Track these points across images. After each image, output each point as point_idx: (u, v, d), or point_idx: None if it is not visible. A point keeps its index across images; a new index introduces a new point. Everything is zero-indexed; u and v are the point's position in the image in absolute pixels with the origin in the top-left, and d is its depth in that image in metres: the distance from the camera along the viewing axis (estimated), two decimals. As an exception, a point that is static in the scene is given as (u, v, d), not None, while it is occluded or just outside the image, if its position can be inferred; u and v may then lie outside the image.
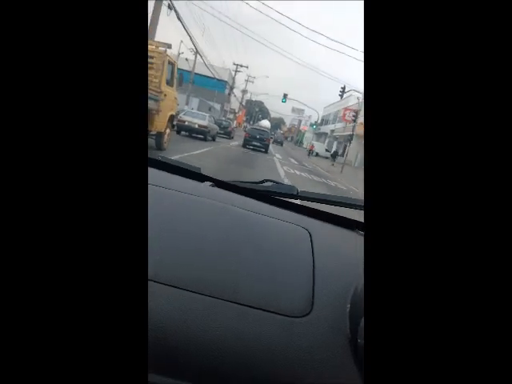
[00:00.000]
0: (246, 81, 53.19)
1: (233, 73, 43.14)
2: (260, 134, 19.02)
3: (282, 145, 40.32)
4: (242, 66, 41.95)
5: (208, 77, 37.40)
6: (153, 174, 0.72)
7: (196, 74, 30.61)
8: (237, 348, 0.47)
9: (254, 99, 79.70)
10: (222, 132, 21.22)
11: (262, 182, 0.92)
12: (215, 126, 17.73)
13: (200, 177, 0.86)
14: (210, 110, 32.59)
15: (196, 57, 27.66)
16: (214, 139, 17.17)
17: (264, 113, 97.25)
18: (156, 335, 0.45)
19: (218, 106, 37.01)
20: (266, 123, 45.32)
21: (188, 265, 0.53)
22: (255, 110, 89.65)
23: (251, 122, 78.50)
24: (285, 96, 35.00)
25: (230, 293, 0.51)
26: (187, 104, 27.43)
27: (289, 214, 0.75)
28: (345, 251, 0.67)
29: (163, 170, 0.81)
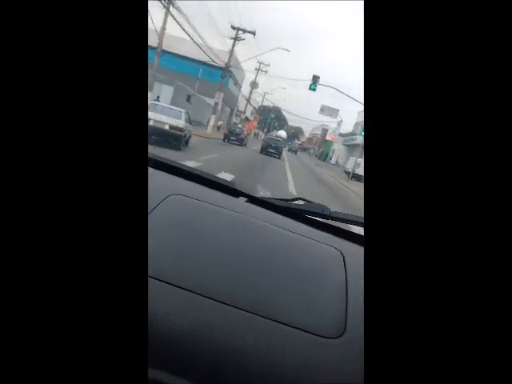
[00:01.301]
0: (258, 70, 39.37)
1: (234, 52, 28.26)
2: (275, 143, 22.22)
3: (295, 153, 44.91)
4: (244, 31, 24.28)
5: (198, 61, 25.73)
6: (190, 186, 0.79)
7: (170, 53, 19.94)
8: (267, 364, 0.47)
9: (267, 104, 66.74)
10: (234, 138, 21.60)
11: (295, 199, 0.93)
12: (190, 127, 12.08)
13: (235, 192, 0.88)
14: (188, 100, 21.46)
15: (166, 17, 16.40)
16: (186, 144, 12.05)
17: (281, 120, 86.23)
18: (195, 343, 0.47)
19: (210, 101, 25.11)
20: (282, 133, 47.23)
21: (228, 280, 0.55)
22: (270, 116, 78.03)
23: (265, 130, 69.89)
24: (315, 80, 20.60)
25: (265, 309, 0.52)
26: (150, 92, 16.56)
27: (321, 234, 0.76)
28: None
29: (199, 183, 0.84)
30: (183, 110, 10.86)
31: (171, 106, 11.52)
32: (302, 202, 0.91)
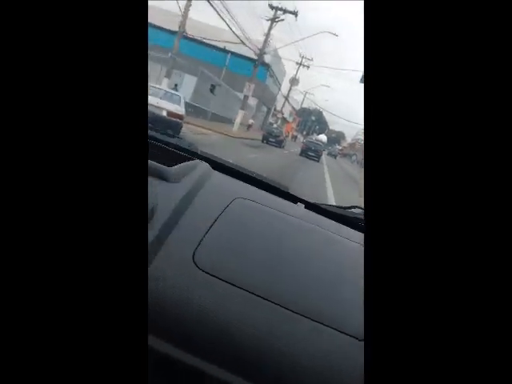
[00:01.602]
0: (299, 64, 34.28)
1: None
2: (314, 146, 23.28)
3: (335, 157, 45.87)
4: (285, 11, 19.64)
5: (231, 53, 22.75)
6: (252, 190, 0.82)
7: (194, 39, 17.25)
8: (306, 363, 0.49)
9: (308, 106, 61.77)
10: (273, 140, 21.50)
11: (351, 207, 0.94)
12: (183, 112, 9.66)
13: (293, 198, 0.91)
14: (212, 91, 18.26)
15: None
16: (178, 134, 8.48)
17: (321, 124, 79.11)
18: (234, 339, 0.50)
19: (241, 96, 21.19)
20: (322, 138, 47.89)
21: (284, 283, 0.57)
22: (311, 119, 71.42)
23: (304, 133, 65.68)
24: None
25: (307, 309, 0.55)
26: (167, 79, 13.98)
27: None
28: None
29: (256, 186, 0.86)
30: (180, 94, 9.67)
31: (169, 90, 10.06)
32: (358, 211, 0.91)
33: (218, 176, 0.82)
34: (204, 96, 19.16)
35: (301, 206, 0.90)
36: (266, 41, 19.86)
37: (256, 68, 19.96)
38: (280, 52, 28.37)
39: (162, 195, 0.61)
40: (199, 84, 20.00)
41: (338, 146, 66.59)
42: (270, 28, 19.88)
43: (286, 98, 38.39)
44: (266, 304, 0.53)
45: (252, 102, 21.43)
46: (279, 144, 21.43)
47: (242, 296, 0.53)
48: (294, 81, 36.39)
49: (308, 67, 35.59)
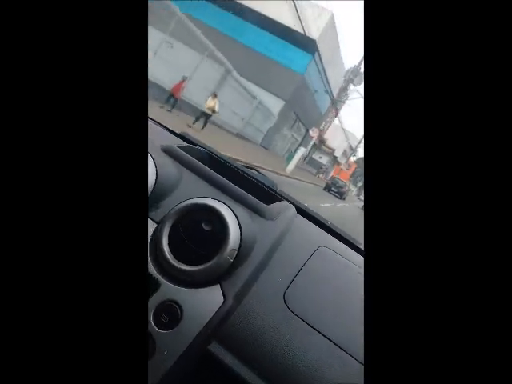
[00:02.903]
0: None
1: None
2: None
3: None
4: None
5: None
6: (330, 240, 0.81)
7: None
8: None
9: None
10: (335, 190, 22.18)
11: None
12: None
13: (359, 250, 0.92)
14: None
15: None
16: None
17: None
18: (276, 365, 0.53)
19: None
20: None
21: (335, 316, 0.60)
22: None
23: (359, 185, 53.53)
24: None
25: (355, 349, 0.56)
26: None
27: None
28: None
29: (332, 235, 0.86)
30: None
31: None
32: None
33: (301, 220, 0.82)
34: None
35: None
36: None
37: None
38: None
39: (260, 231, 0.64)
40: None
41: None
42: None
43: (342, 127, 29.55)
44: (342, 354, 0.55)
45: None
46: (340, 195, 22.02)
47: (322, 342, 0.56)
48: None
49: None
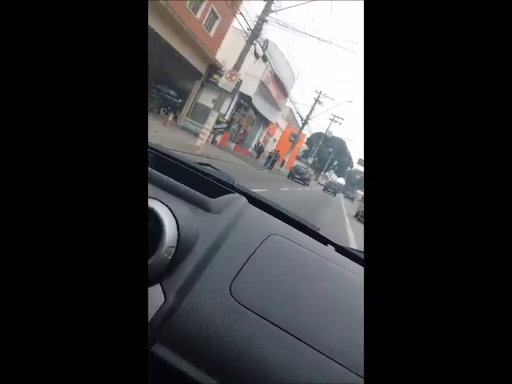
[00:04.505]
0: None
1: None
2: (334, 187, 34.31)
3: (352, 201, 43.67)
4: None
5: None
6: (285, 228, 0.82)
7: None
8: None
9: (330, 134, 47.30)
10: (298, 177, 22.33)
11: None
12: None
13: (323, 239, 0.92)
14: None
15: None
16: None
17: (342, 157, 60.30)
18: (251, 363, 0.51)
19: None
20: (341, 181, 54.24)
21: (312, 321, 0.59)
22: (328, 150, 54.71)
23: (313, 159, 42.96)
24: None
25: (334, 352, 0.55)
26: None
27: None
28: None
29: (288, 223, 0.87)
30: None
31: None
32: None
33: (253, 210, 0.83)
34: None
35: (331, 248, 0.91)
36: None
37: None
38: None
39: (203, 225, 0.64)
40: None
41: (358, 191, 55.91)
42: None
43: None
44: (290, 339, 0.55)
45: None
46: (304, 182, 22.27)
47: (272, 331, 0.55)
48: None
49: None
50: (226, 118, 18.37)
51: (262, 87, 20.41)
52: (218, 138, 18.96)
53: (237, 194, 0.83)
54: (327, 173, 60.37)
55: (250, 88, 18.87)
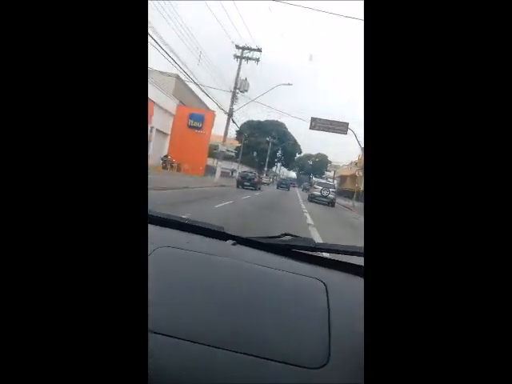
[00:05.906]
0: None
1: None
2: (286, 182, 40.76)
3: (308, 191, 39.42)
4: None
5: None
6: (178, 236, 0.84)
7: None
8: None
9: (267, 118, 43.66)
10: (248, 184, 21.16)
11: (282, 236, 0.96)
12: None
13: (223, 235, 0.92)
14: None
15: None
16: None
17: (286, 142, 52.69)
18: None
19: None
20: (292, 175, 55.30)
21: (214, 323, 0.58)
22: (265, 139, 47.88)
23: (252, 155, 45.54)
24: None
25: (250, 346, 0.54)
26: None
27: (306, 267, 0.81)
28: (361, 300, 0.63)
29: (186, 231, 0.89)
30: None
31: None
32: (289, 238, 0.94)
33: None
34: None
35: (229, 242, 0.90)
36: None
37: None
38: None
39: None
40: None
41: (315, 179, 37.64)
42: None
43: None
44: (210, 350, 0.53)
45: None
46: (255, 187, 21.70)
47: (188, 348, 0.53)
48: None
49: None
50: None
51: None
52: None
53: None
54: (274, 168, 58.19)
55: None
